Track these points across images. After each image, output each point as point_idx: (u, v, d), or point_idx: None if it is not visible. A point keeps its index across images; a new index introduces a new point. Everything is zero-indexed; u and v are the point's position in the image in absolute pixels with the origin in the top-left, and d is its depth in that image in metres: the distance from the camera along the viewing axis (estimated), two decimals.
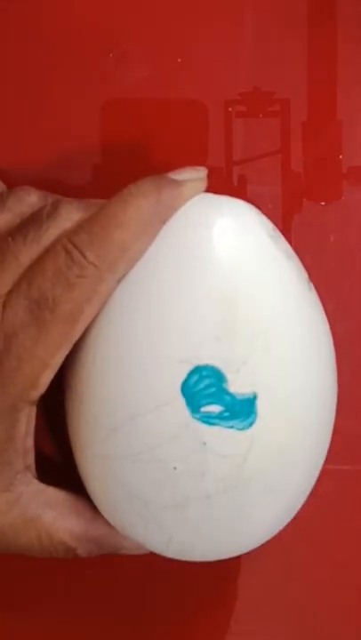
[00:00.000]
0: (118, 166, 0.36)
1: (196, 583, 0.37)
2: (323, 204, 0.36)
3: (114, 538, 0.32)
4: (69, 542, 0.32)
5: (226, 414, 0.30)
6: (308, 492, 0.33)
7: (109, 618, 0.37)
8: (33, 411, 0.30)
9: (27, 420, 0.30)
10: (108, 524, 0.32)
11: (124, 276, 0.30)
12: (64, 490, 0.32)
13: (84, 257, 0.29)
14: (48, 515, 0.31)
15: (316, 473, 0.33)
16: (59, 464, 0.36)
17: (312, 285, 0.32)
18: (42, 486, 0.32)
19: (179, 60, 0.36)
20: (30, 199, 0.32)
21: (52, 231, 0.30)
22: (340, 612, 0.37)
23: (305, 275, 0.32)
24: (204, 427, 0.30)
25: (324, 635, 0.37)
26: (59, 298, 0.29)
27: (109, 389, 0.30)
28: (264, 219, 0.32)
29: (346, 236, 0.36)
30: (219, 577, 0.37)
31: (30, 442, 0.31)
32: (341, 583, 0.37)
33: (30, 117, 0.37)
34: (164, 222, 0.30)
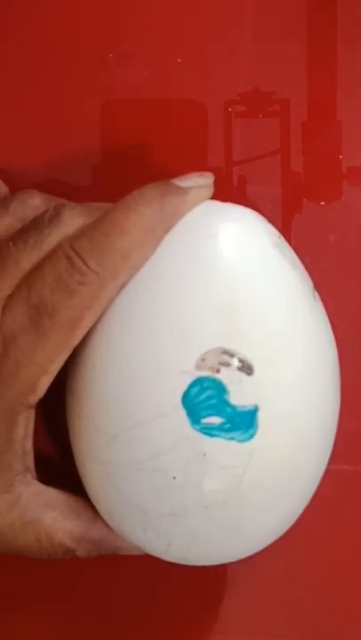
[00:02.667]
0: (118, 166, 0.36)
1: (196, 583, 0.37)
2: (323, 203, 0.36)
3: (113, 539, 0.32)
4: (69, 543, 0.32)
5: (227, 426, 0.29)
6: (308, 501, 0.33)
7: (108, 617, 0.37)
8: (31, 414, 0.30)
9: (25, 424, 0.30)
10: (107, 525, 0.32)
11: (125, 283, 0.30)
12: (65, 491, 0.32)
13: (86, 264, 0.29)
14: (48, 516, 0.31)
15: (317, 482, 0.33)
16: (60, 465, 0.36)
17: (317, 294, 0.32)
18: (42, 487, 0.32)
19: (179, 60, 0.36)
20: (33, 202, 0.32)
21: (53, 236, 0.30)
22: (341, 611, 0.37)
23: (310, 284, 0.32)
24: (205, 438, 0.29)
25: (324, 635, 0.37)
26: (58, 304, 0.29)
27: (109, 397, 0.30)
28: (270, 227, 0.31)
29: (346, 236, 0.36)
30: (218, 577, 0.37)
31: (29, 444, 0.31)
32: (341, 583, 0.37)
33: (30, 117, 0.37)
34: (167, 230, 0.30)
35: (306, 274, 0.32)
